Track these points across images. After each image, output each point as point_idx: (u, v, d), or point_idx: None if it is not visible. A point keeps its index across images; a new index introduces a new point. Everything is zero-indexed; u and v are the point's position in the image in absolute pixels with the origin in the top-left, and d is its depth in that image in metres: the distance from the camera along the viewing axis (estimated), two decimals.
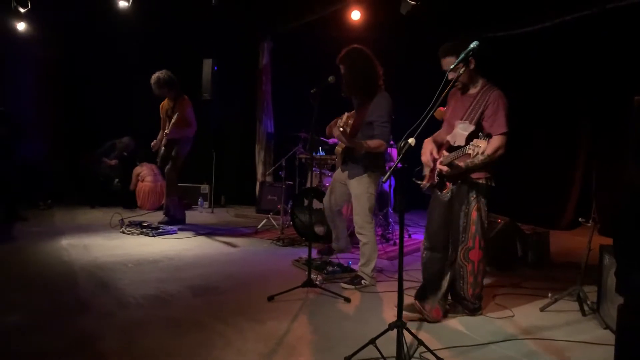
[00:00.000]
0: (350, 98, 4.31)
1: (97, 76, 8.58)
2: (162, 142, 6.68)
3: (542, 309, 3.83)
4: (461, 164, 3.30)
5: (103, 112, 8.70)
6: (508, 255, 5.12)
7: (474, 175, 3.43)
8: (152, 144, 6.79)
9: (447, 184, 3.49)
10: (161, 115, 6.86)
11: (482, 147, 2.87)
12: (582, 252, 3.80)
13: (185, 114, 6.61)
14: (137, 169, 8.50)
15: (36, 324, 3.29)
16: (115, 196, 8.39)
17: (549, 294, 3.96)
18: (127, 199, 8.30)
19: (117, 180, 8.50)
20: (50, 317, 3.42)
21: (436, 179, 3.47)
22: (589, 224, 3.84)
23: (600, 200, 6.70)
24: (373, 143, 4.06)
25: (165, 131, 6.58)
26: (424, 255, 3.61)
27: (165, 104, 6.85)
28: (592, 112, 6.88)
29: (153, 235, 6.06)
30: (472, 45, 2.91)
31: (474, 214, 3.44)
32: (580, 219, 4.16)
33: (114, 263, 4.81)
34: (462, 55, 2.94)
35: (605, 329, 3.43)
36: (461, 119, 3.38)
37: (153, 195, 8.28)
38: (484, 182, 3.45)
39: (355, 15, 7.08)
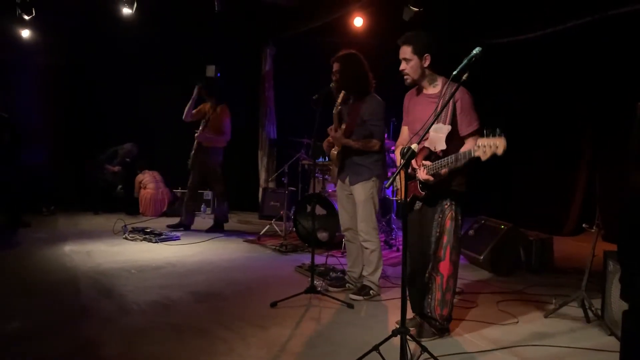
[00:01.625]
0: (343, 100, 4.29)
1: (101, 82, 8.61)
2: (194, 145, 6.85)
3: (546, 316, 3.82)
4: (445, 170, 3.05)
5: (107, 119, 8.73)
6: (511, 261, 5.11)
7: (447, 184, 3.20)
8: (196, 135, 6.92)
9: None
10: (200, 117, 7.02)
11: (493, 144, 2.65)
12: (586, 258, 3.79)
13: (220, 122, 6.79)
14: (140, 177, 8.51)
15: (39, 330, 3.29)
16: (118, 202, 8.40)
17: (553, 300, 3.95)
18: (130, 206, 8.31)
19: (120, 186, 8.51)
20: (52, 323, 3.42)
21: (422, 192, 3.20)
22: (593, 230, 3.83)
23: (604, 206, 6.69)
24: (367, 143, 4.06)
25: (197, 134, 6.79)
26: (408, 273, 3.34)
27: (205, 107, 7.00)
28: (595, 118, 6.88)
29: (156, 242, 6.06)
30: (474, 52, 2.79)
31: (447, 223, 3.22)
32: (584, 225, 4.15)
33: (116, 269, 4.81)
34: (465, 62, 2.81)
35: (609, 335, 3.41)
36: (433, 123, 3.12)
37: (155, 202, 8.29)
38: (456, 188, 3.24)
39: (358, 22, 7.11)
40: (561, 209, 7.23)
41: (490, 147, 2.66)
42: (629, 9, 5.81)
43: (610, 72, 6.40)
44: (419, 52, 3.22)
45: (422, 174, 3.10)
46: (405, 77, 3.31)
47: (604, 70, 6.47)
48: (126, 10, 6.61)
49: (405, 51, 3.26)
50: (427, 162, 3.11)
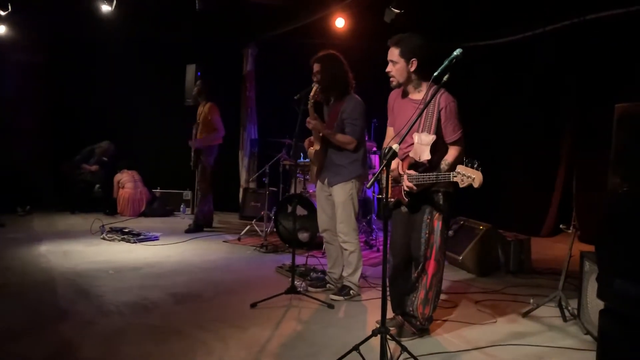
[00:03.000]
0: (323, 102, 4.30)
1: (79, 81, 8.48)
2: (192, 149, 6.89)
3: (524, 315, 3.86)
4: (428, 183, 3.08)
5: (85, 117, 8.61)
6: (490, 262, 5.16)
7: (437, 185, 3.22)
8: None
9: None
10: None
11: (470, 176, 2.72)
12: (563, 258, 3.85)
13: (211, 120, 6.80)
14: (118, 176, 8.41)
15: (14, 333, 3.22)
16: (95, 202, 8.29)
17: (531, 300, 4.00)
18: (107, 205, 8.21)
19: (97, 186, 8.40)
20: (28, 326, 3.35)
21: (406, 199, 3.21)
22: (570, 231, 3.89)
23: (581, 208, 6.82)
24: (343, 137, 4.06)
25: (191, 141, 6.83)
26: (390, 273, 3.41)
27: (200, 108, 7.02)
28: (574, 120, 6.99)
29: (134, 242, 5.99)
30: (455, 53, 2.79)
31: (435, 224, 3.25)
32: (561, 226, 4.21)
33: (94, 270, 4.74)
34: (446, 63, 2.83)
35: (586, 334, 3.47)
36: (415, 130, 3.17)
37: (133, 201, 8.20)
38: (444, 189, 3.25)
39: (340, 22, 7.12)
40: (539, 210, 7.32)
41: (468, 177, 2.75)
42: (607, 13, 5.93)
43: (590, 74, 6.50)
44: (406, 56, 3.20)
45: (406, 183, 3.12)
46: (390, 79, 3.30)
47: (584, 72, 6.57)
48: (105, 8, 6.53)
49: (393, 53, 3.24)
50: (412, 172, 3.12)
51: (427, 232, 3.25)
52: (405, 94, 3.37)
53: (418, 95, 3.30)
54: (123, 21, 7.19)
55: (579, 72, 6.62)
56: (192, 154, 6.94)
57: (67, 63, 8.45)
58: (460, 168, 2.79)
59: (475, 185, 2.73)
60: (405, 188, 3.14)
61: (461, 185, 2.80)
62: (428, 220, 3.25)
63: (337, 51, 4.22)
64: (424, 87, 3.26)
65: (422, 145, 3.15)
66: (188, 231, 6.82)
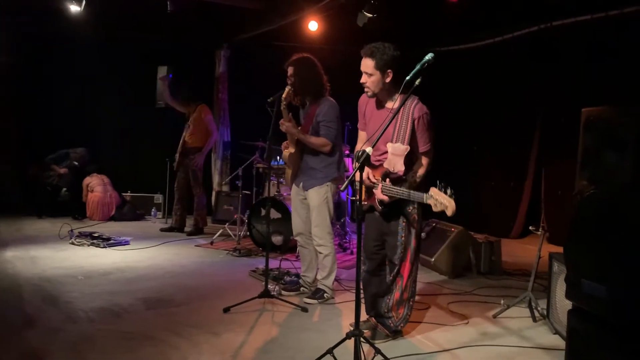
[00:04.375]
0: (299, 105, 4.31)
1: (47, 83, 8.28)
2: (179, 147, 6.86)
3: (494, 316, 3.92)
4: (402, 191, 3.07)
5: (52, 119, 8.39)
6: (462, 263, 5.23)
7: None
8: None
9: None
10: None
11: (444, 203, 2.74)
12: (533, 259, 3.92)
13: (203, 122, 6.83)
14: (87, 179, 8.25)
15: None
16: (64, 206, 8.11)
17: (502, 301, 4.06)
18: (76, 210, 8.04)
19: (64, 189, 8.22)
20: None
21: (379, 207, 3.22)
22: (539, 233, 3.97)
23: (549, 210, 6.95)
24: (318, 140, 4.06)
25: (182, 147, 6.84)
26: (363, 276, 3.43)
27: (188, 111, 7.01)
28: (542, 123, 7.13)
29: (104, 247, 5.89)
30: (426, 57, 2.80)
31: (410, 227, 3.27)
32: (530, 227, 4.29)
33: (62, 275, 4.65)
34: (418, 67, 2.83)
35: (554, 334, 3.54)
36: (389, 140, 3.19)
37: (102, 205, 8.05)
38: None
39: (313, 26, 7.13)
40: (509, 212, 7.45)
41: (442, 204, 2.75)
42: (571, 20, 6.09)
43: (558, 78, 6.64)
44: (381, 68, 3.15)
45: (378, 194, 3.14)
46: (365, 89, 3.27)
47: (552, 77, 6.71)
48: (74, 8, 6.39)
49: (368, 65, 3.18)
50: (387, 183, 3.15)
51: (403, 235, 3.27)
52: (379, 103, 3.36)
53: (391, 103, 3.29)
54: (93, 22, 7.05)
55: (548, 76, 6.76)
56: (177, 155, 6.93)
57: (35, 64, 8.22)
58: (434, 192, 2.79)
59: (449, 213, 2.74)
60: (378, 198, 3.16)
61: (434, 210, 2.81)
62: (404, 224, 3.26)
63: (310, 54, 4.23)
64: (397, 96, 3.21)
65: (396, 156, 3.17)
66: (190, 234, 6.89)
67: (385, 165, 3.21)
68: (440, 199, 2.76)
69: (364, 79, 3.23)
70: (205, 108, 6.97)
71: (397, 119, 3.16)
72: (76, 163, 8.32)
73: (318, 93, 4.15)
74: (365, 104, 3.48)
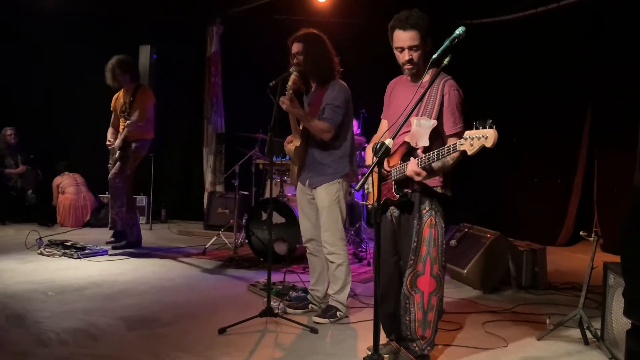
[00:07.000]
0: (303, 90, 4.29)
1: (10, 67, 8.33)
2: (117, 145, 6.42)
3: (539, 338, 3.90)
4: (438, 164, 3.04)
5: (20, 110, 8.49)
6: (499, 276, 5.21)
7: (427, 182, 3.20)
8: (109, 143, 6.52)
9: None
10: (113, 110, 6.66)
11: (480, 136, 2.67)
12: (584, 271, 3.90)
13: (146, 109, 6.45)
14: (57, 179, 8.33)
15: None
16: (30, 211, 8.18)
17: (547, 320, 4.04)
18: (45, 214, 8.11)
19: (30, 191, 8.29)
20: None
21: (396, 195, 3.19)
22: (591, 239, 3.94)
23: (603, 211, 6.90)
24: (320, 124, 4.04)
25: (121, 135, 6.36)
26: (381, 292, 3.29)
27: (119, 96, 6.65)
28: (593, 112, 7.09)
29: (78, 257, 5.93)
30: (457, 32, 2.82)
31: (425, 231, 3.22)
32: (581, 233, 4.27)
33: (30, 291, 4.68)
34: (446, 43, 2.83)
35: (610, 358, 3.51)
36: (415, 115, 3.16)
37: (75, 209, 8.12)
38: (439, 190, 3.24)
39: None
40: (555, 215, 7.42)
41: (479, 138, 2.68)
42: None
43: (612, 55, 6.57)
44: (425, 37, 3.17)
45: (412, 166, 3.03)
46: (409, 68, 3.24)
47: (605, 53, 6.64)
48: None
49: (414, 37, 3.17)
50: (398, 163, 3.13)
51: (416, 240, 3.24)
52: (408, 80, 3.37)
53: (422, 79, 3.26)
54: None
55: (599, 53, 6.70)
56: (116, 152, 6.49)
57: None
58: (468, 133, 2.74)
59: (489, 144, 2.66)
60: (410, 173, 3.06)
61: (470, 152, 2.73)
62: (417, 227, 3.24)
63: (318, 30, 4.22)
64: (430, 71, 3.22)
65: (421, 129, 3.15)
66: (109, 243, 6.54)
67: (407, 138, 3.18)
68: (474, 134, 2.70)
69: (407, 55, 3.20)
70: (149, 91, 6.64)
71: (427, 93, 3.12)
72: (32, 156, 8.34)
73: (327, 76, 4.14)
74: (392, 88, 3.49)
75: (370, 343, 2.80)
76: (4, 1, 7.62)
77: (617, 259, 3.41)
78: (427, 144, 3.12)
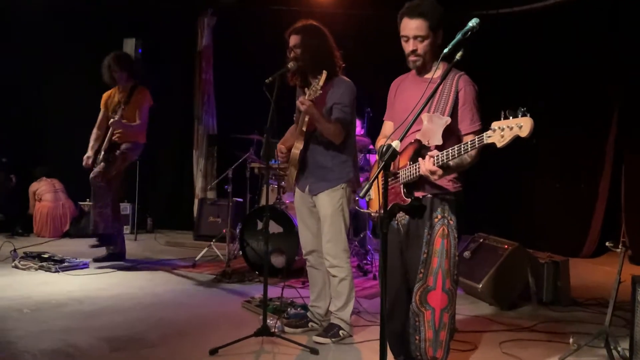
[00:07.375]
0: (300, 87, 4.29)
1: None
2: (104, 146, 6.41)
3: (561, 359, 3.90)
4: (456, 161, 3.01)
5: None
6: (517, 290, 5.20)
7: (439, 187, 3.18)
8: (85, 157, 6.48)
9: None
10: (103, 110, 6.65)
11: (513, 126, 2.61)
12: (611, 285, 3.89)
13: (142, 111, 6.48)
14: (34, 185, 8.33)
15: None
16: (4, 220, 8.19)
17: (570, 340, 4.03)
18: (20, 223, 8.12)
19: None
20: None
21: (407, 199, 3.15)
22: (618, 250, 3.94)
23: (632, 220, 6.89)
24: (335, 126, 4.01)
25: (114, 133, 6.38)
26: (388, 309, 3.24)
27: (112, 94, 6.66)
28: (621, 105, 7.07)
29: (57, 271, 5.93)
30: (470, 24, 2.82)
31: (437, 242, 3.18)
32: (607, 244, 4.26)
33: (3, 308, 4.68)
34: (459, 36, 2.82)
35: None
36: (421, 110, 3.07)
37: (54, 218, 8.12)
38: (452, 197, 3.22)
39: None
40: (579, 224, 7.41)
41: (511, 128, 2.62)
42: None
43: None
44: (435, 28, 3.18)
45: (427, 165, 2.98)
46: (413, 60, 3.25)
47: (635, 44, 6.64)
48: None
49: (421, 27, 3.17)
50: (433, 153, 3.02)
51: (426, 251, 3.22)
52: (416, 75, 3.37)
53: (430, 73, 3.28)
54: None
55: (628, 45, 6.69)
56: (100, 153, 6.47)
57: None
58: (496, 124, 2.68)
59: (524, 133, 2.59)
60: (425, 172, 3.02)
61: (500, 144, 2.67)
62: (428, 237, 3.22)
63: (319, 22, 4.23)
64: (440, 64, 3.21)
65: (434, 126, 3.13)
66: (94, 246, 6.53)
67: (419, 136, 3.15)
68: (504, 124, 2.64)
69: (413, 45, 3.20)
70: (148, 93, 6.65)
71: (440, 88, 3.11)
72: (4, 159, 8.33)
73: (330, 71, 4.15)
74: (397, 86, 3.48)
75: None
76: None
77: None
78: (440, 142, 3.10)
